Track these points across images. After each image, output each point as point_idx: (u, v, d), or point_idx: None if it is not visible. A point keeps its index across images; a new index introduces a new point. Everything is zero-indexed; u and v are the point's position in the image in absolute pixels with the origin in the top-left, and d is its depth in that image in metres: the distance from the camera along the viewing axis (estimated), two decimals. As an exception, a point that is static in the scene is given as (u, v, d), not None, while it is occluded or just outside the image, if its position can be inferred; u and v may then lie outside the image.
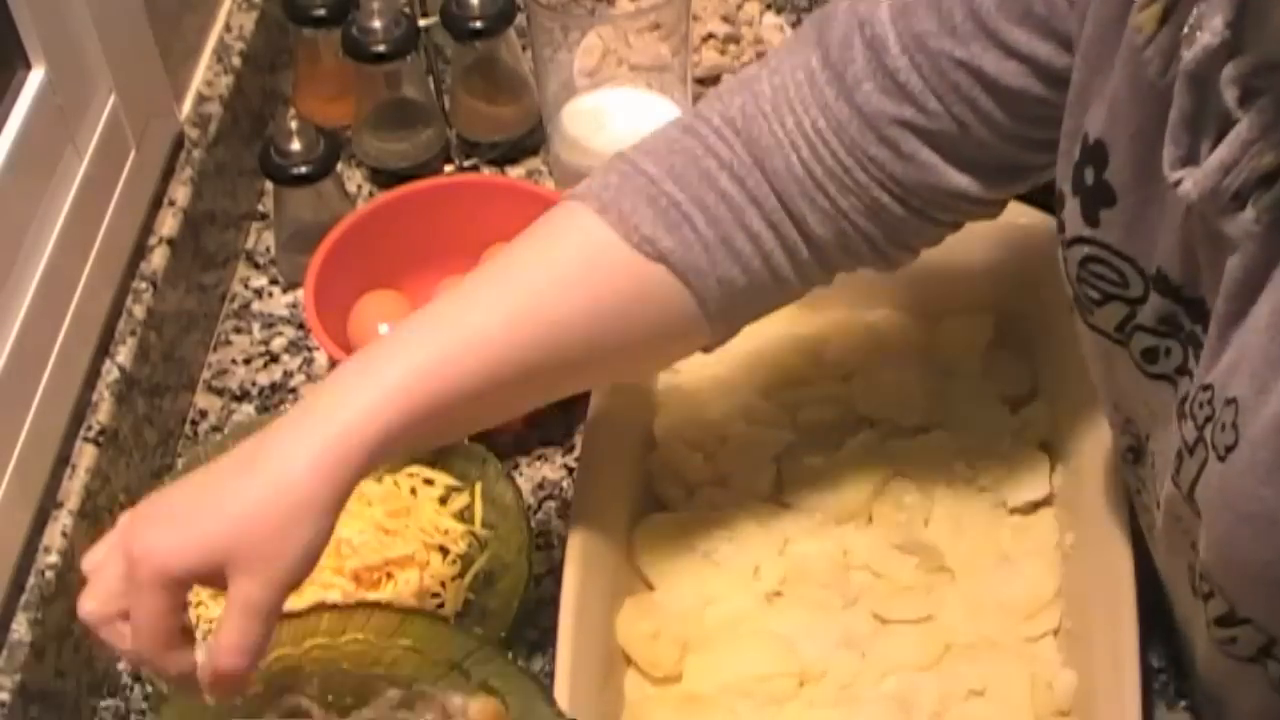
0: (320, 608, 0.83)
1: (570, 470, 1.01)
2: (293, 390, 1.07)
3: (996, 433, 0.96)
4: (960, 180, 0.78)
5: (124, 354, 0.98)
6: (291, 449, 0.72)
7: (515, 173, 1.20)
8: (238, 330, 1.11)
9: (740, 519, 0.93)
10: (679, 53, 1.10)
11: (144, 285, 1.02)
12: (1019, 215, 1.00)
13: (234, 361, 1.09)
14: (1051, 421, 0.96)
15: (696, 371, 1.01)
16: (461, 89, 1.19)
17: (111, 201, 1.01)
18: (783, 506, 0.94)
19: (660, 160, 0.81)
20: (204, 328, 1.10)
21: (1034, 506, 0.94)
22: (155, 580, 0.70)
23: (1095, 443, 0.88)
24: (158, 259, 1.03)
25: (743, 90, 0.81)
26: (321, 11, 1.17)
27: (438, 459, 0.97)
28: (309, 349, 1.09)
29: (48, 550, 0.88)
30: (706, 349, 0.85)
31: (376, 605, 0.84)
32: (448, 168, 1.19)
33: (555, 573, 0.94)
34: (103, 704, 0.92)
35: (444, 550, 0.94)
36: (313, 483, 0.71)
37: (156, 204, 1.07)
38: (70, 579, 0.89)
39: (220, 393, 1.08)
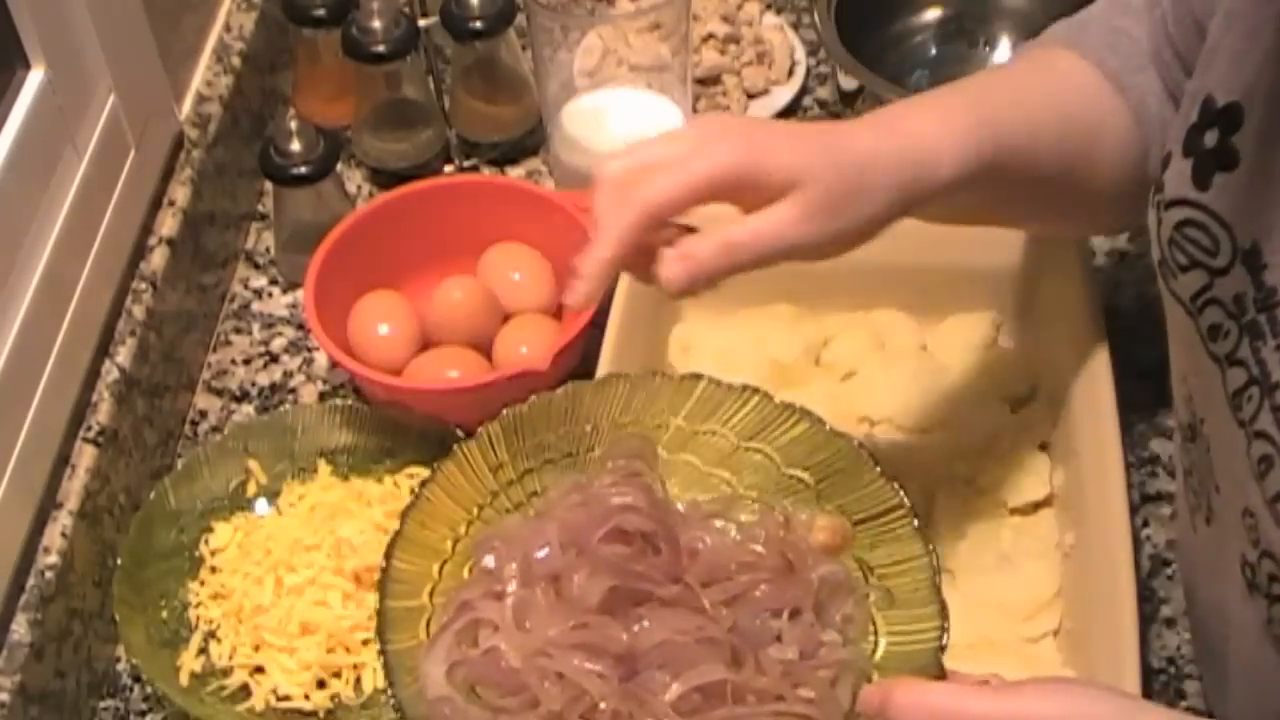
0: (695, 378, 0.80)
1: (570, 470, 1.01)
2: (293, 390, 1.07)
3: (996, 433, 0.96)
4: None
5: (124, 354, 0.98)
6: (878, 142, 0.74)
7: (515, 173, 1.20)
8: (238, 330, 1.11)
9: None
10: (679, 53, 1.10)
11: (144, 285, 1.02)
12: (1019, 215, 1.00)
13: (234, 361, 1.09)
14: (1051, 421, 0.96)
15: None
16: (461, 89, 1.19)
17: (111, 201, 1.01)
18: (783, 506, 0.94)
19: (1104, 22, 0.85)
20: (204, 328, 1.10)
21: (1034, 506, 0.94)
22: (719, 151, 0.71)
23: (1095, 443, 0.88)
24: (158, 259, 1.03)
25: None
26: (321, 11, 1.17)
27: (437, 459, 0.97)
28: (309, 349, 1.09)
29: (48, 550, 0.88)
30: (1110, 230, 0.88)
31: (756, 391, 0.80)
32: (448, 168, 1.19)
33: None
34: (103, 704, 0.92)
35: (444, 550, 0.94)
36: (898, 173, 0.73)
37: (156, 204, 1.07)
38: (70, 579, 0.89)
39: (220, 393, 1.08)
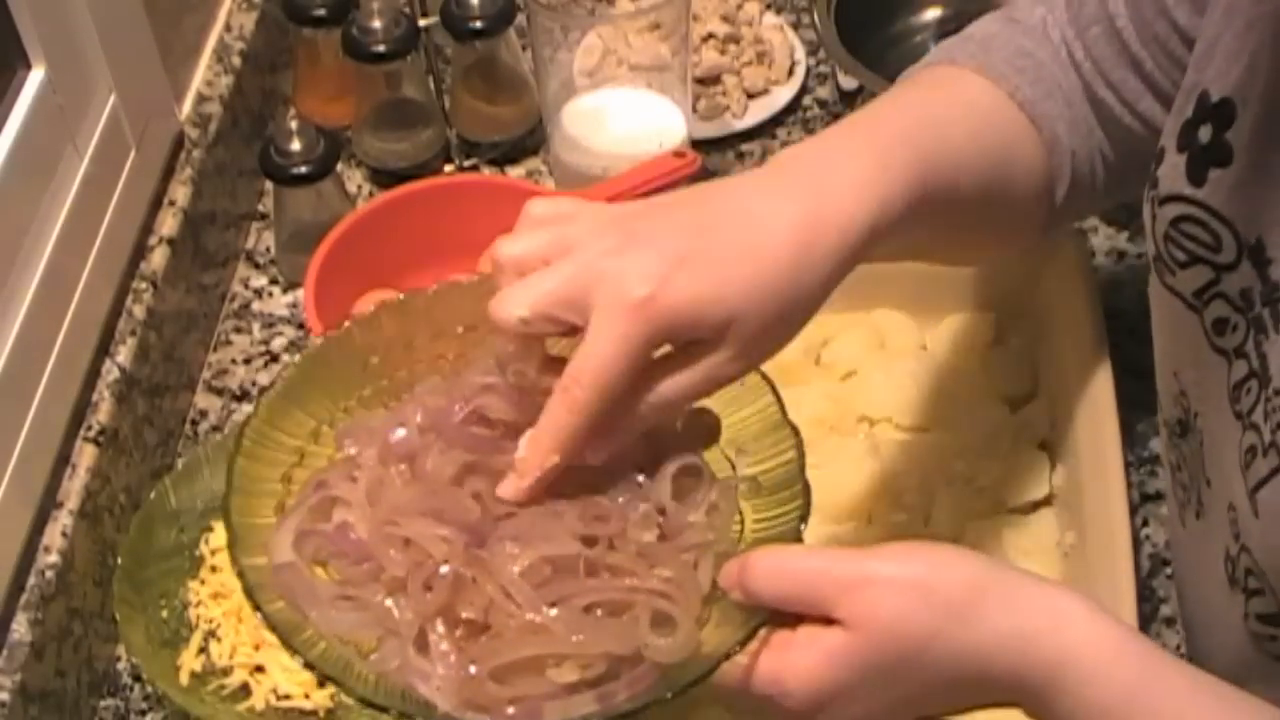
0: None
1: (570, 470, 1.01)
2: (293, 390, 1.07)
3: (996, 433, 0.96)
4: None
5: (124, 354, 0.98)
6: (815, 214, 0.67)
7: (515, 173, 1.20)
8: (238, 330, 1.11)
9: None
10: (679, 53, 1.10)
11: (144, 285, 1.02)
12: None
13: (234, 361, 1.09)
14: (1051, 421, 0.96)
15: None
16: (461, 89, 1.19)
17: (111, 201, 1.01)
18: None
19: (1007, 43, 0.82)
20: (204, 328, 1.10)
21: (1034, 506, 0.94)
22: (652, 316, 0.63)
23: (1095, 443, 0.88)
24: (158, 259, 1.03)
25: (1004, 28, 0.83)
26: (321, 11, 1.17)
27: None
28: (309, 349, 1.09)
29: (48, 550, 0.88)
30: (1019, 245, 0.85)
31: None
32: (448, 168, 1.19)
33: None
34: (103, 704, 0.92)
35: (444, 550, 0.94)
36: (841, 253, 0.67)
37: (156, 204, 1.07)
38: (70, 579, 0.89)
39: (220, 393, 1.08)
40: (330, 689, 0.89)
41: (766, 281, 0.65)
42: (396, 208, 1.07)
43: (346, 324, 0.73)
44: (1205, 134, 0.70)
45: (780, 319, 0.66)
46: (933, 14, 1.23)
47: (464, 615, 0.62)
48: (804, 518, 0.66)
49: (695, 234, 0.66)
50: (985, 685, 0.61)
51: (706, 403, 0.70)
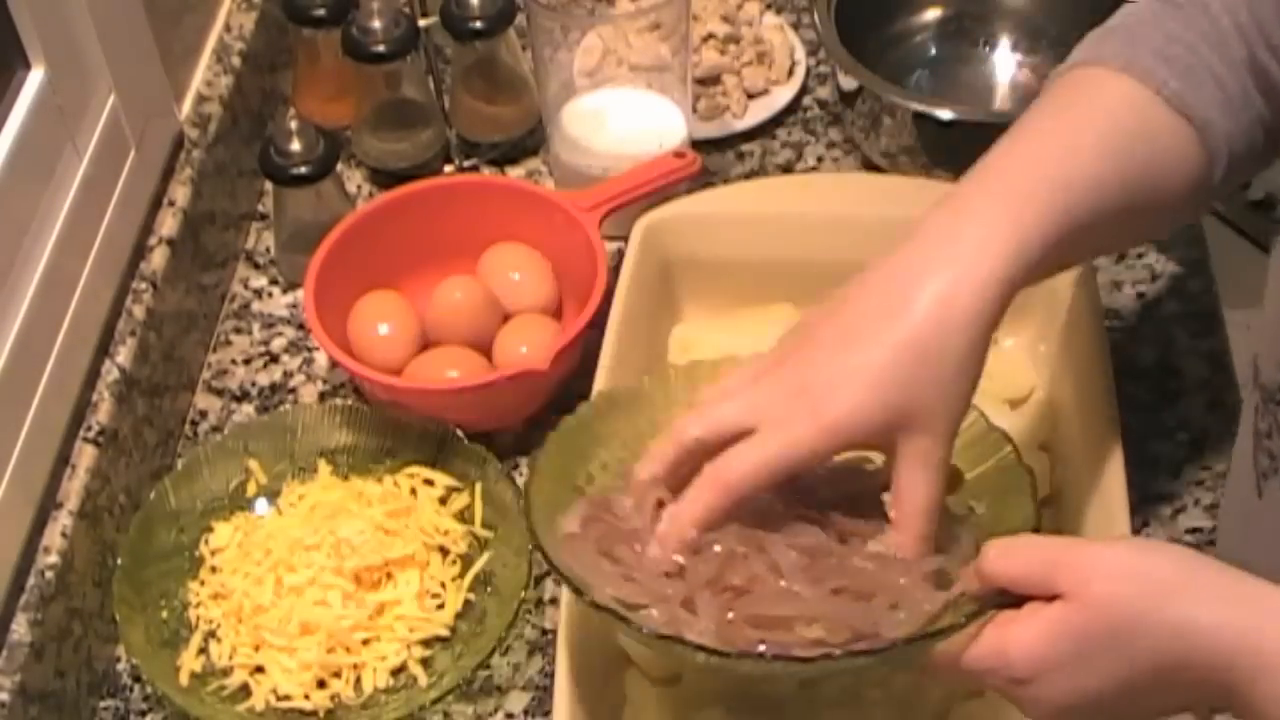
0: None
1: (570, 470, 1.01)
2: (292, 390, 1.07)
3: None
4: None
5: (124, 354, 0.98)
6: (949, 284, 0.71)
7: (515, 173, 1.20)
8: (238, 330, 1.11)
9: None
10: (679, 53, 1.10)
11: (144, 285, 1.02)
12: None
13: (234, 361, 1.09)
14: (1051, 421, 0.96)
15: (696, 371, 1.01)
16: (461, 89, 1.19)
17: (111, 201, 1.01)
18: (783, 506, 0.95)
19: (1155, 31, 0.81)
20: (204, 328, 1.10)
21: (1034, 506, 0.94)
22: (824, 434, 0.70)
23: (1095, 443, 0.88)
24: (158, 259, 1.03)
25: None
26: (321, 11, 1.17)
27: (438, 459, 0.97)
28: (309, 349, 1.09)
29: (48, 550, 0.88)
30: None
31: None
32: (448, 168, 1.19)
33: (555, 573, 0.94)
34: (103, 704, 0.92)
35: (444, 550, 0.94)
36: (981, 318, 0.71)
37: (156, 204, 1.07)
38: (70, 579, 0.89)
39: (220, 393, 1.08)
40: (330, 689, 0.89)
41: (910, 368, 0.70)
42: (396, 208, 1.07)
43: (645, 378, 0.84)
44: None
45: (939, 389, 0.71)
46: (933, 14, 1.23)
47: (732, 582, 0.71)
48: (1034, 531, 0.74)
49: (842, 349, 0.71)
50: (1187, 674, 0.63)
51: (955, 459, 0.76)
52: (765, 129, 1.20)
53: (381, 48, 1.13)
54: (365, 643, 0.90)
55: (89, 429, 0.94)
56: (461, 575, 0.93)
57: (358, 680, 0.89)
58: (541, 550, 0.74)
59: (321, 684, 0.89)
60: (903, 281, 0.72)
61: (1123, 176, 0.76)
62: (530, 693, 0.91)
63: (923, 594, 0.71)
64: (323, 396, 1.07)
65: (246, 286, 1.14)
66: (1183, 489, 0.96)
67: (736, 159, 1.19)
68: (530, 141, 1.21)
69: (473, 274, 1.07)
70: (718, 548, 0.72)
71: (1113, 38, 0.82)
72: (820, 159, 1.18)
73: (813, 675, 0.79)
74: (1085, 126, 0.77)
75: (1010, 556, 0.67)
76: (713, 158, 1.17)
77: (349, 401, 1.03)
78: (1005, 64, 1.22)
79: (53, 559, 0.88)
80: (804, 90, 1.22)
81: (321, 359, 1.09)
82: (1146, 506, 0.96)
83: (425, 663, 0.90)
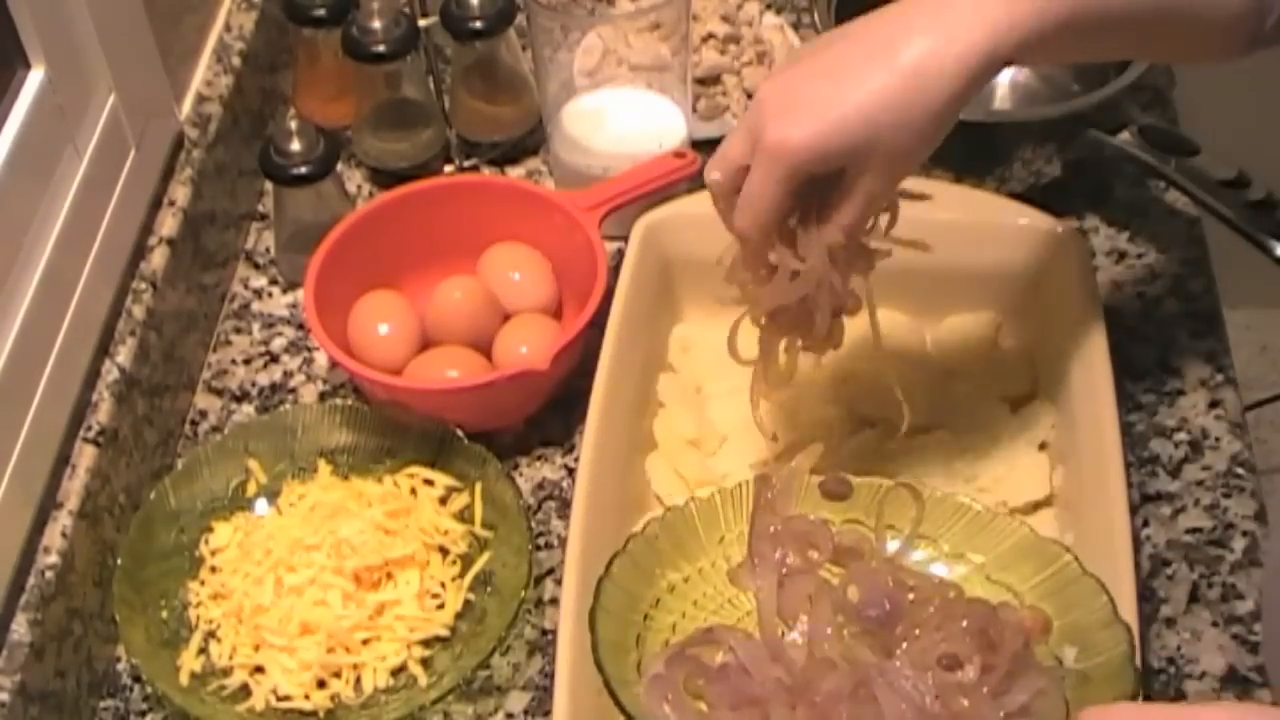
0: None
1: (570, 470, 1.01)
2: (292, 390, 1.07)
3: (996, 433, 0.96)
4: None
5: (124, 354, 0.98)
6: (934, 43, 0.74)
7: (515, 173, 1.20)
8: (238, 330, 1.11)
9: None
10: (679, 53, 1.10)
11: (144, 285, 1.02)
12: (1019, 215, 1.00)
13: (234, 361, 1.09)
14: (1051, 421, 0.96)
15: (696, 371, 1.01)
16: (461, 89, 1.19)
17: (111, 201, 1.01)
18: (783, 506, 0.95)
19: None
20: (204, 328, 1.10)
21: (1034, 506, 0.94)
22: (777, 169, 0.76)
23: (1095, 443, 0.88)
24: (158, 259, 1.03)
25: None
26: (321, 11, 1.17)
27: (438, 459, 0.97)
28: (309, 349, 1.09)
29: (48, 550, 0.88)
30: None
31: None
32: (448, 168, 1.19)
33: (555, 573, 0.94)
34: (103, 704, 0.92)
35: (444, 550, 0.94)
36: (957, 82, 0.74)
37: (156, 204, 1.07)
38: (70, 579, 0.89)
39: (220, 393, 1.08)
40: (330, 689, 0.89)
41: (879, 112, 0.75)
42: (396, 208, 1.07)
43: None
44: None
45: (896, 135, 0.75)
46: (933, 14, 1.23)
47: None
48: (1133, 697, 0.74)
49: (828, 78, 0.76)
50: None
51: (1042, 604, 0.81)
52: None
53: (381, 48, 1.13)
54: (365, 643, 0.90)
55: (89, 429, 0.94)
56: (461, 575, 0.93)
57: (358, 680, 0.89)
58: (611, 692, 0.76)
59: (321, 684, 0.89)
60: (893, 33, 0.76)
61: None
62: (530, 693, 0.91)
63: None
64: (323, 396, 1.07)
65: (246, 286, 1.14)
66: (1183, 489, 0.97)
67: (736, 159, 1.19)
68: (530, 141, 1.21)
69: (473, 274, 1.07)
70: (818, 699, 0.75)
71: None
72: (820, 159, 1.18)
73: None
74: None
75: None
76: (713, 158, 1.17)
77: (349, 401, 1.03)
78: (1005, 64, 1.22)
79: (53, 559, 0.88)
80: (804, 90, 1.22)
81: (321, 359, 1.09)
82: (1146, 506, 0.96)
83: (425, 663, 0.90)
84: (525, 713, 0.90)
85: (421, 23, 1.14)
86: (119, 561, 0.91)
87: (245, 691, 0.89)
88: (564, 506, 0.98)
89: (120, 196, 1.02)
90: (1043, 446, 0.96)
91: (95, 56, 1.00)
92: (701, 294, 1.03)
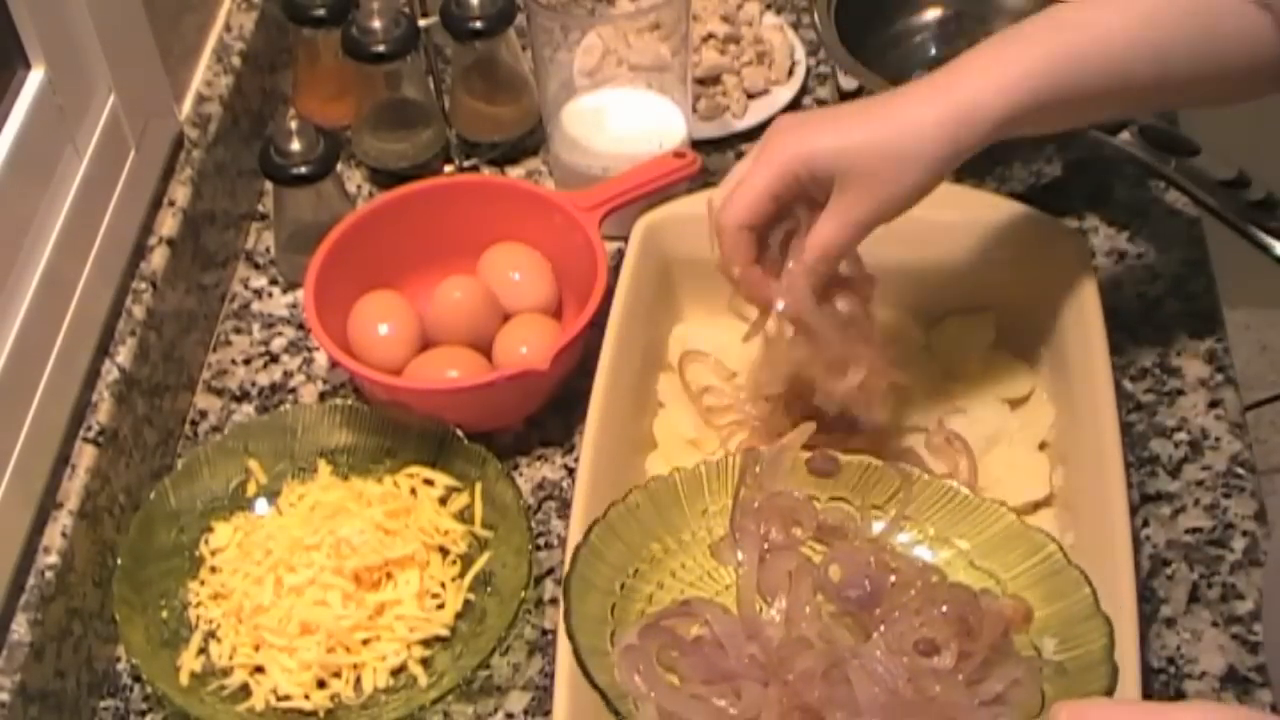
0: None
1: (570, 470, 1.01)
2: (292, 390, 1.07)
3: (996, 433, 0.96)
4: None
5: (124, 354, 0.98)
6: (921, 107, 0.83)
7: (515, 173, 1.20)
8: (238, 330, 1.11)
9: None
10: (679, 53, 1.10)
11: (144, 285, 1.02)
12: (1019, 215, 1.00)
13: (234, 361, 1.09)
14: (1051, 421, 0.96)
15: (696, 372, 1.01)
16: (461, 89, 1.19)
17: (111, 201, 1.01)
18: (783, 506, 0.95)
19: None
20: (204, 328, 1.10)
21: (1034, 506, 0.93)
22: (773, 160, 0.84)
23: (1095, 443, 0.88)
24: (158, 259, 1.03)
25: None
26: (321, 11, 1.17)
27: (438, 459, 0.97)
28: (309, 349, 1.09)
29: (48, 550, 0.88)
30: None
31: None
32: (448, 168, 1.19)
33: (555, 573, 0.94)
34: (103, 704, 0.92)
35: (444, 550, 0.94)
36: (936, 137, 0.82)
37: (156, 204, 1.07)
38: (70, 579, 0.89)
39: (220, 393, 1.08)
40: (330, 689, 0.89)
41: (875, 141, 0.83)
42: (396, 208, 1.07)
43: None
44: None
45: (886, 165, 0.83)
46: (933, 14, 1.23)
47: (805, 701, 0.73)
48: (1109, 692, 0.74)
49: (834, 117, 0.86)
50: None
51: (1025, 593, 0.80)
52: (765, 129, 1.20)
53: (381, 48, 1.13)
54: (365, 643, 0.90)
55: (89, 429, 0.94)
56: (461, 575, 0.93)
57: (358, 680, 0.89)
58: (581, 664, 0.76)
59: (321, 684, 0.89)
60: (901, 99, 0.85)
61: (1155, 50, 0.83)
62: (530, 693, 0.91)
63: None
64: (323, 396, 1.07)
65: (246, 286, 1.14)
66: (1183, 489, 0.96)
67: (736, 159, 1.19)
68: (530, 141, 1.21)
69: (473, 274, 1.07)
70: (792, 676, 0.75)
71: None
72: (820, 159, 1.18)
73: None
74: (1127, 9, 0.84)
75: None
76: (713, 158, 1.17)
77: (349, 401, 1.03)
78: (1005, 64, 1.22)
79: (53, 559, 0.88)
80: (804, 90, 1.22)
81: (321, 359, 1.09)
82: (1146, 506, 0.96)
83: (425, 663, 0.90)
84: (525, 713, 0.90)
85: (421, 23, 1.14)
86: (119, 561, 0.92)
87: (245, 691, 0.89)
88: (564, 506, 0.98)
89: (120, 196, 1.02)
90: (1043, 446, 0.96)
91: (95, 56, 1.00)
92: (701, 294, 1.03)
